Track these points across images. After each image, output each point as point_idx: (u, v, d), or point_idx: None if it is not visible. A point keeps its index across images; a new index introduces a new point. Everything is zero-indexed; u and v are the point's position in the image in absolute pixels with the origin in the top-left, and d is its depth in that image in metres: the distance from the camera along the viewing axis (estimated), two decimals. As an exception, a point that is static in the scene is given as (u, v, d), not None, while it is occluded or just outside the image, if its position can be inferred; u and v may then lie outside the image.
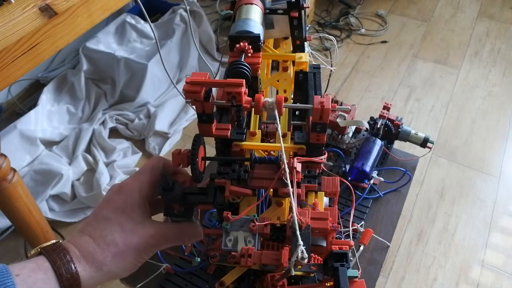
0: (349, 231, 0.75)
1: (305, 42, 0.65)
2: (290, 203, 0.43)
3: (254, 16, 0.54)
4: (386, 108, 0.93)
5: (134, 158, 1.61)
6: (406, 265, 1.36)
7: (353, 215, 0.76)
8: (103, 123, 1.68)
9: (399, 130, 0.92)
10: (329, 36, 1.07)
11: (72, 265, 0.38)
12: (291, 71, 0.64)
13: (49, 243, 0.40)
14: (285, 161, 0.43)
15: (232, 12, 0.58)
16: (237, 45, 0.49)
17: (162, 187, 0.44)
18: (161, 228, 0.44)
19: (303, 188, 0.51)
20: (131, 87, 1.77)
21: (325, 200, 0.57)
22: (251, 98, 0.46)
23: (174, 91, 1.82)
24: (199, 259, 0.74)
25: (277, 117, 0.46)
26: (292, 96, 0.62)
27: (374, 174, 0.88)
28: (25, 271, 0.36)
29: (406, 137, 0.93)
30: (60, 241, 0.41)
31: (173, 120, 1.74)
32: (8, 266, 0.36)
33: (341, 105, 0.94)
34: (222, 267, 0.72)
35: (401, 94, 1.93)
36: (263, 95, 0.47)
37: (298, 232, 0.39)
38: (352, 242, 0.52)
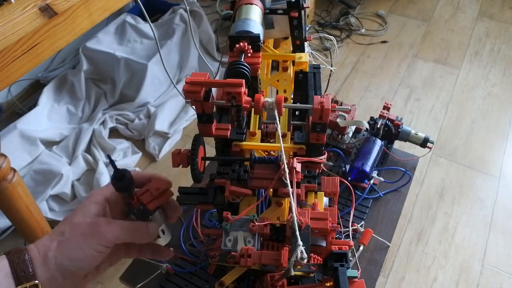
0: (349, 231, 0.75)
1: (305, 42, 0.65)
2: (290, 203, 0.43)
3: (254, 16, 0.54)
4: (386, 108, 0.93)
5: (134, 158, 1.61)
6: (406, 265, 1.36)
7: (353, 215, 0.76)
8: (103, 123, 1.68)
9: (399, 130, 0.92)
10: (329, 36, 1.08)
11: (26, 254, 0.42)
12: (291, 71, 0.64)
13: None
14: (285, 161, 0.43)
15: (232, 12, 0.58)
16: (237, 45, 0.49)
17: (114, 176, 0.45)
18: (113, 221, 0.45)
19: (303, 188, 0.51)
20: (131, 87, 1.77)
21: (325, 200, 0.57)
22: (251, 98, 0.46)
23: (174, 91, 1.82)
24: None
25: (277, 117, 0.46)
26: (292, 96, 0.62)
27: (374, 174, 0.88)
28: None
29: (406, 137, 0.93)
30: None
31: (173, 120, 1.74)
32: None
33: (341, 105, 0.94)
34: (222, 267, 0.72)
35: (401, 94, 1.93)
36: (263, 95, 0.47)
37: (297, 232, 0.39)
38: (351, 242, 0.52)
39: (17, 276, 0.40)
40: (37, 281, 0.41)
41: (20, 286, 0.40)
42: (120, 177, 0.45)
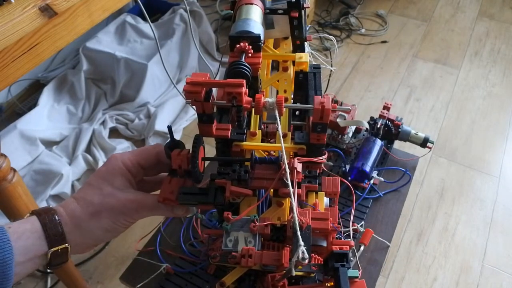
0: (349, 231, 0.75)
1: (305, 42, 0.65)
2: (291, 203, 0.43)
3: (254, 16, 0.54)
4: (386, 108, 0.93)
5: (134, 158, 1.61)
6: (406, 265, 1.36)
7: (353, 215, 0.76)
8: (103, 123, 1.68)
9: (399, 130, 0.92)
10: (329, 36, 1.07)
11: (56, 216, 0.43)
12: (291, 71, 0.64)
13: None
14: (286, 161, 0.43)
15: (232, 12, 0.58)
16: (237, 45, 0.49)
17: (167, 146, 0.48)
18: (140, 195, 0.48)
19: (304, 188, 0.51)
20: (131, 87, 1.77)
21: (326, 200, 0.57)
22: (251, 98, 0.46)
23: (174, 91, 1.82)
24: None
25: (278, 117, 0.46)
26: (292, 96, 0.62)
27: (374, 174, 0.88)
28: (16, 224, 0.42)
29: (406, 137, 0.93)
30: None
31: (173, 120, 1.74)
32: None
33: (341, 105, 0.94)
34: (223, 267, 0.72)
35: (401, 94, 1.93)
36: (263, 95, 0.47)
37: (298, 233, 0.39)
38: (352, 242, 0.52)
39: (50, 239, 0.42)
40: (67, 244, 0.44)
41: (52, 249, 0.42)
42: (175, 145, 0.48)
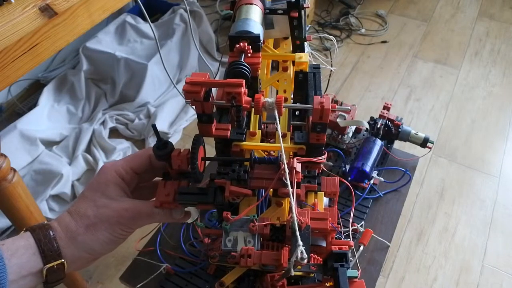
0: (349, 231, 0.75)
1: (305, 42, 0.65)
2: (290, 203, 0.43)
3: (254, 16, 0.54)
4: (386, 108, 0.93)
5: (134, 158, 1.61)
6: (406, 265, 1.36)
7: (353, 215, 0.76)
8: (103, 123, 1.68)
9: (399, 130, 0.92)
10: (329, 36, 1.07)
11: (51, 232, 0.43)
12: (291, 71, 0.64)
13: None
14: (285, 161, 0.43)
15: (232, 12, 0.58)
16: (237, 45, 0.49)
17: (156, 146, 0.47)
18: (135, 203, 0.47)
19: (303, 188, 0.51)
20: (131, 87, 1.77)
21: (325, 200, 0.57)
22: (251, 98, 0.46)
23: (174, 91, 1.82)
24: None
25: (277, 117, 0.46)
26: (292, 96, 0.62)
27: (374, 174, 0.88)
28: (9, 240, 0.41)
29: (406, 137, 0.93)
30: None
31: (173, 120, 1.74)
32: None
33: (341, 105, 0.94)
34: (222, 267, 0.72)
35: (401, 94, 1.93)
36: (263, 95, 0.47)
37: (297, 233, 0.39)
38: (351, 242, 0.52)
39: (45, 255, 0.41)
40: (63, 260, 0.43)
41: (48, 265, 0.41)
42: (163, 146, 0.47)
